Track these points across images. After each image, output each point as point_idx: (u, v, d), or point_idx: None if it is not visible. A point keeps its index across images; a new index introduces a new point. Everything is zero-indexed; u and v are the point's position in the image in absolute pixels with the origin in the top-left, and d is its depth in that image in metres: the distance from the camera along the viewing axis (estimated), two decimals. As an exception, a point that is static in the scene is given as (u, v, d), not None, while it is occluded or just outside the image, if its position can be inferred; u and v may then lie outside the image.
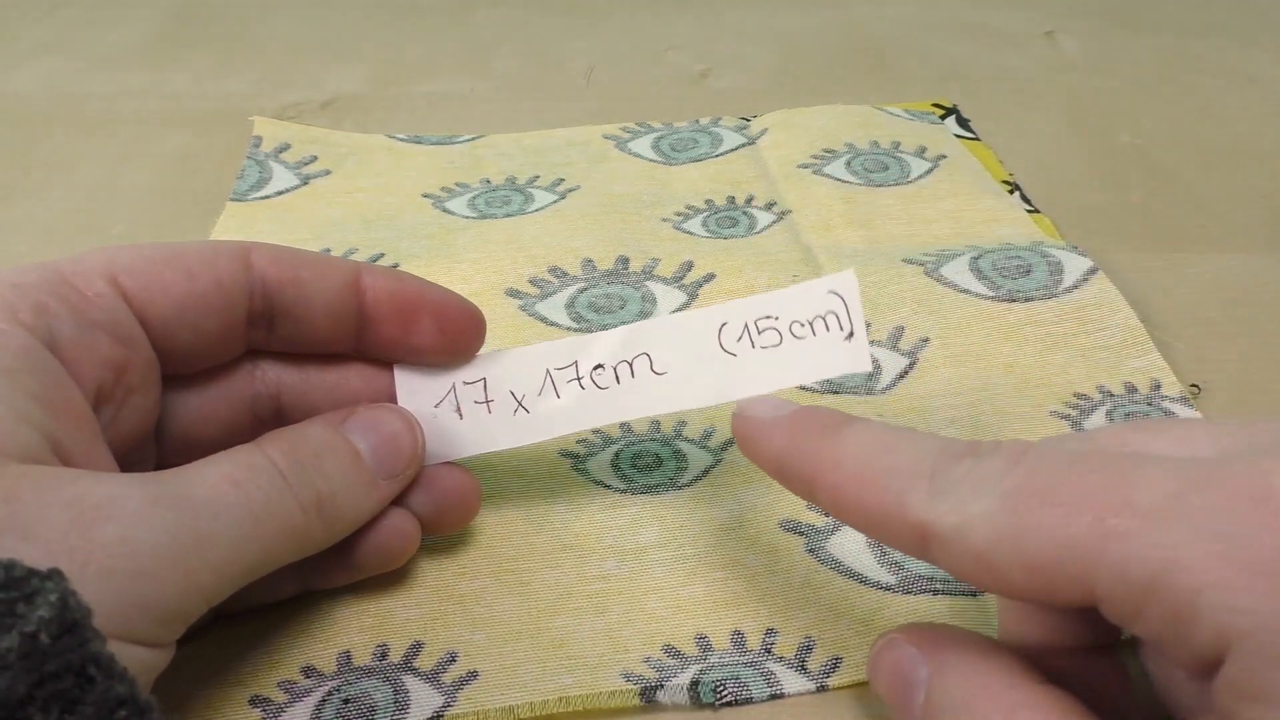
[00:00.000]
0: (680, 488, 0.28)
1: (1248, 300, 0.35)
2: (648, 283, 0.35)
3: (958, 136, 0.44)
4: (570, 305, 0.34)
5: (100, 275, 0.22)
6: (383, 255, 0.37)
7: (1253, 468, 0.16)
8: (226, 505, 0.19)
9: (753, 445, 0.22)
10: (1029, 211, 0.39)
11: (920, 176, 0.41)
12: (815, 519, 0.27)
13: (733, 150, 0.44)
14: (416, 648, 0.24)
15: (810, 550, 0.26)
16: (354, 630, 0.24)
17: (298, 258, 0.24)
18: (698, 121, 0.46)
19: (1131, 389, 0.31)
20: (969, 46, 0.54)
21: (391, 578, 0.25)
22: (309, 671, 0.24)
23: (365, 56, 0.53)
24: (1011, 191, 0.41)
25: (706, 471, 0.29)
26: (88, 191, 0.42)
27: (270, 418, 0.25)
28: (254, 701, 0.23)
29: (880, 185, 0.40)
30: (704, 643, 0.24)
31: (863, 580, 0.25)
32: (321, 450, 0.22)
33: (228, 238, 0.37)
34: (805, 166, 0.42)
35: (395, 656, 0.24)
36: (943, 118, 0.46)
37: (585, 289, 0.35)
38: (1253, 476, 0.16)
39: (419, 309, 0.25)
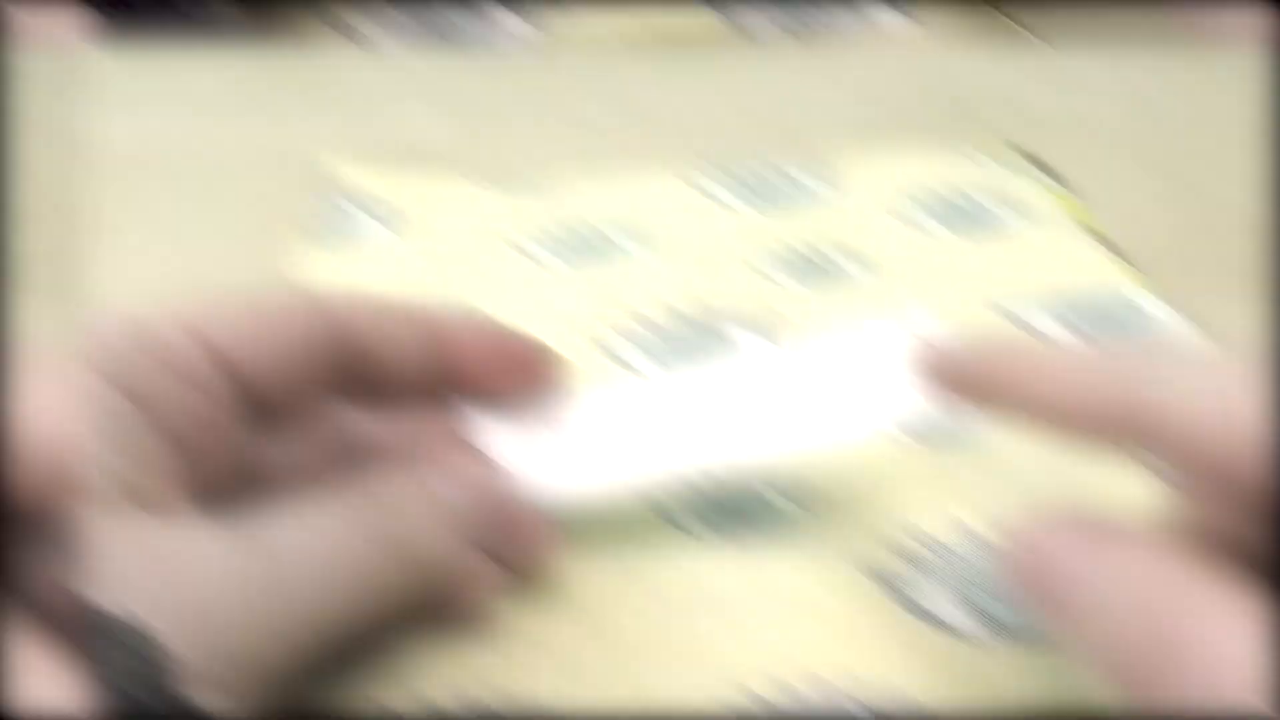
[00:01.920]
0: (767, 535, 0.28)
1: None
2: (730, 328, 0.35)
3: (1040, 183, 0.44)
4: (651, 351, 0.35)
5: (184, 328, 0.22)
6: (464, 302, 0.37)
7: None
8: (309, 555, 0.19)
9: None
10: (1115, 259, 0.39)
11: (1006, 226, 0.41)
12: (901, 569, 0.26)
13: (816, 196, 0.44)
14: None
15: (894, 598, 0.26)
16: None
17: (381, 308, 0.24)
18: (779, 165, 0.46)
19: None
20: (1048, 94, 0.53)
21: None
22: None
23: (449, 108, 0.54)
24: (1098, 240, 0.40)
25: (794, 522, 0.28)
26: (167, 239, 0.43)
27: (351, 460, 0.25)
28: None
29: (967, 235, 0.40)
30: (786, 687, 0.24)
31: (952, 632, 0.25)
32: (409, 501, 0.22)
33: (307, 282, 0.38)
34: (891, 214, 0.42)
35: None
36: (1027, 163, 0.45)
37: (669, 336, 0.35)
38: None
39: (499, 356, 0.25)
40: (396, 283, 0.39)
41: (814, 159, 0.46)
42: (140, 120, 0.53)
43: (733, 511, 0.28)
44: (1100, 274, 0.38)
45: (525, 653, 0.25)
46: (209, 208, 0.45)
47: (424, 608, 0.23)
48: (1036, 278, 0.38)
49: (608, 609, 0.26)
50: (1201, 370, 0.19)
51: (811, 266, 0.39)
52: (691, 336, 0.35)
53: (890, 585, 0.26)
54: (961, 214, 0.41)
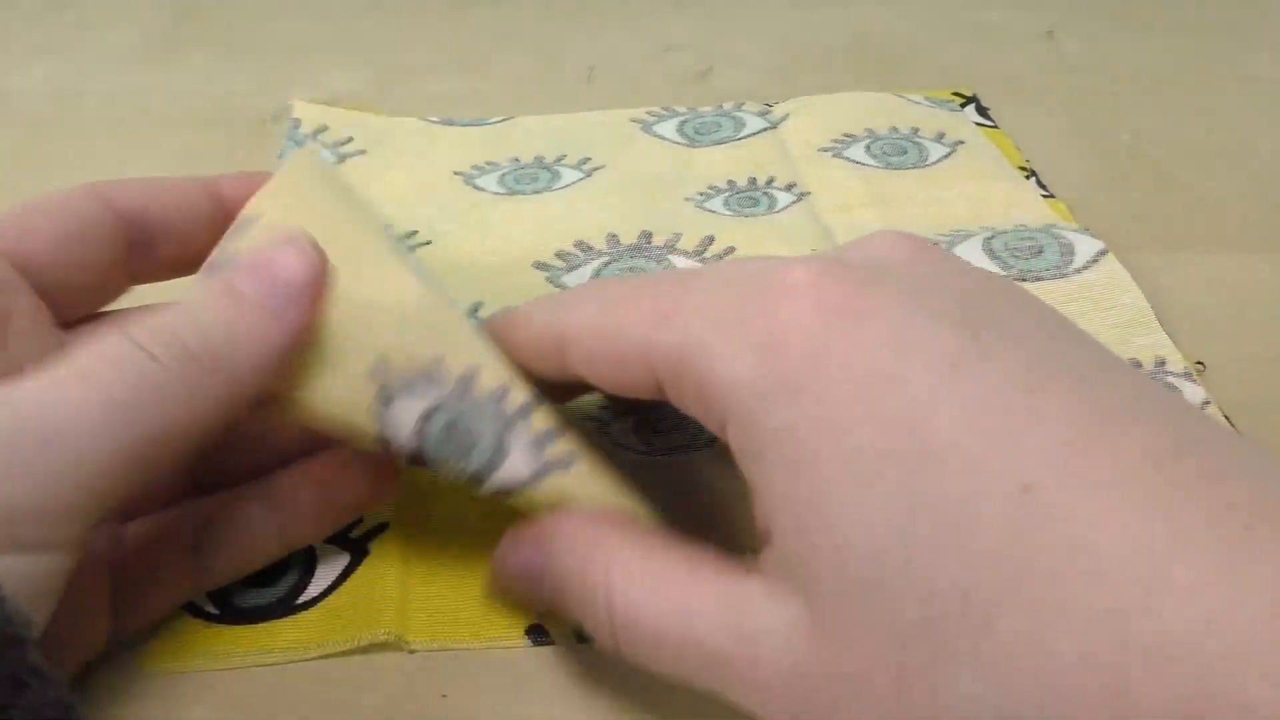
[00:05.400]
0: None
1: (1248, 300, 0.35)
2: (670, 256, 0.36)
3: (977, 124, 0.45)
4: (595, 277, 0.35)
5: None
6: (416, 232, 0.38)
7: (778, 266, 0.19)
8: (82, 404, 0.19)
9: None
10: (1044, 197, 0.40)
11: (938, 161, 0.42)
12: None
13: (755, 134, 0.44)
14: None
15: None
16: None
17: (153, 182, 0.25)
18: (721, 107, 0.47)
19: (1136, 364, 0.31)
20: (969, 46, 0.54)
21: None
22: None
23: (365, 56, 0.53)
24: (1028, 177, 0.41)
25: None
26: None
27: None
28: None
29: (899, 168, 0.41)
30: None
31: None
32: (193, 305, 0.21)
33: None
34: (825, 150, 0.43)
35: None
36: (963, 106, 0.47)
37: (610, 262, 0.36)
38: (773, 273, 0.19)
39: None
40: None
41: (757, 101, 0.47)
42: (52, 71, 0.52)
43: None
44: (1027, 207, 0.39)
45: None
46: (126, 159, 0.44)
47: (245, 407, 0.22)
48: (963, 208, 0.39)
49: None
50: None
51: (744, 197, 0.40)
52: (629, 261, 0.36)
53: None
54: (895, 149, 0.42)
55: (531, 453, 0.21)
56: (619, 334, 0.21)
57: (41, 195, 0.24)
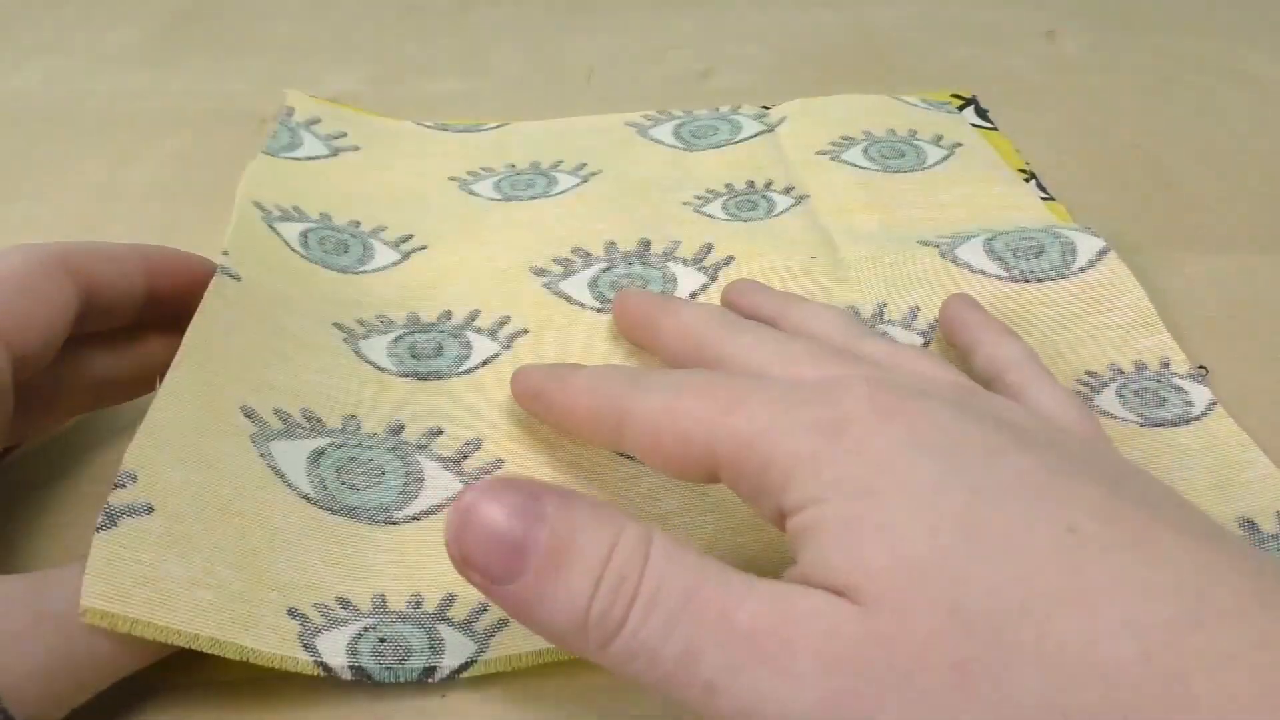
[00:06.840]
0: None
1: (1248, 300, 0.35)
2: (668, 263, 0.35)
3: (975, 126, 0.45)
4: (593, 284, 0.35)
5: None
6: (412, 235, 0.37)
7: (839, 376, 0.22)
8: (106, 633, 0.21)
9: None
10: (1044, 199, 0.40)
11: (937, 164, 0.41)
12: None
13: (752, 137, 0.44)
14: (449, 600, 0.25)
15: None
16: (388, 577, 0.25)
17: (100, 255, 0.27)
18: (718, 109, 0.46)
19: (1141, 366, 0.31)
20: (969, 47, 0.54)
21: (423, 537, 0.26)
22: (344, 603, 0.24)
23: (365, 56, 0.53)
24: (1028, 180, 0.41)
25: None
26: (88, 191, 0.42)
27: (96, 396, 0.29)
28: (291, 614, 0.23)
29: (897, 171, 0.41)
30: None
31: None
32: None
33: (261, 184, 0.38)
34: (823, 153, 0.42)
35: (429, 606, 0.25)
36: (961, 108, 0.46)
37: (607, 269, 0.35)
38: (835, 381, 0.21)
39: (193, 284, 0.28)
40: (344, 204, 0.39)
41: (754, 104, 0.47)
42: (52, 71, 0.52)
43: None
44: (1026, 209, 0.39)
45: None
46: (126, 159, 0.44)
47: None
48: (962, 211, 0.39)
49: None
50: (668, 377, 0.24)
51: (743, 200, 0.40)
52: (628, 268, 0.35)
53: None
54: (893, 152, 0.42)
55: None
56: (686, 416, 0.22)
57: (29, 271, 0.25)
